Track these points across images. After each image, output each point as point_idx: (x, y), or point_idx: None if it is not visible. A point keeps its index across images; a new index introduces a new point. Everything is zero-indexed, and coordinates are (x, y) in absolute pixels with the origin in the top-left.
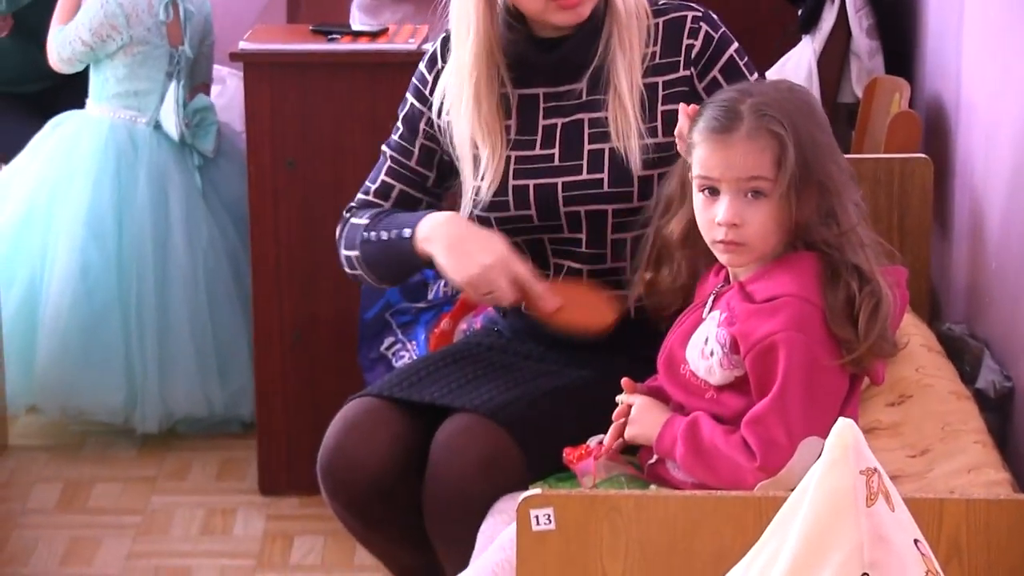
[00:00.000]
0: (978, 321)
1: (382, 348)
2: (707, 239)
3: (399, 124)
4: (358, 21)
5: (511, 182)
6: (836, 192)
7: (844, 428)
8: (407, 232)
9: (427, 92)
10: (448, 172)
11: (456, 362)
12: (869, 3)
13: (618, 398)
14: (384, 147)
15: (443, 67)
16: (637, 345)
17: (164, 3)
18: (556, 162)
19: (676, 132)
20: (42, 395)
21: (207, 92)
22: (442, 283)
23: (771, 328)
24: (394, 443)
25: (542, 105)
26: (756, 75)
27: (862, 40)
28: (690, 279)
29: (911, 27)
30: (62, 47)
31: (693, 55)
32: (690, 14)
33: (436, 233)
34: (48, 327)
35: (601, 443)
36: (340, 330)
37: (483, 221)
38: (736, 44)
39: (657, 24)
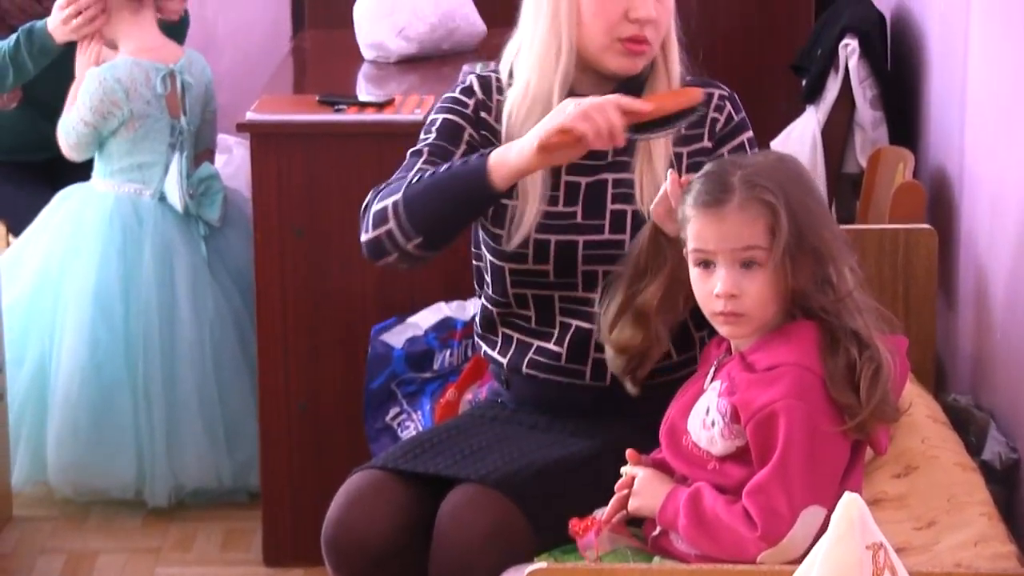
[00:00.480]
0: (983, 392)
1: (387, 418)
2: (706, 312)
3: (429, 134)
4: (364, 91)
5: (533, 235)
6: (831, 258)
7: (850, 502)
8: (475, 158)
9: (468, 111)
10: None
11: (461, 433)
12: (873, 74)
13: (622, 469)
14: (409, 153)
15: (483, 99)
16: (643, 415)
17: (161, 76)
18: (579, 219)
19: (658, 197)
20: (53, 473)
21: (212, 158)
22: (447, 352)
23: (771, 397)
24: (398, 516)
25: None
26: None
27: (866, 111)
28: (663, 344)
29: (915, 98)
30: (68, 134)
31: (716, 129)
32: (717, 91)
33: (512, 144)
34: (58, 404)
35: None
36: (346, 400)
37: (496, 268)
38: (751, 133)
39: None
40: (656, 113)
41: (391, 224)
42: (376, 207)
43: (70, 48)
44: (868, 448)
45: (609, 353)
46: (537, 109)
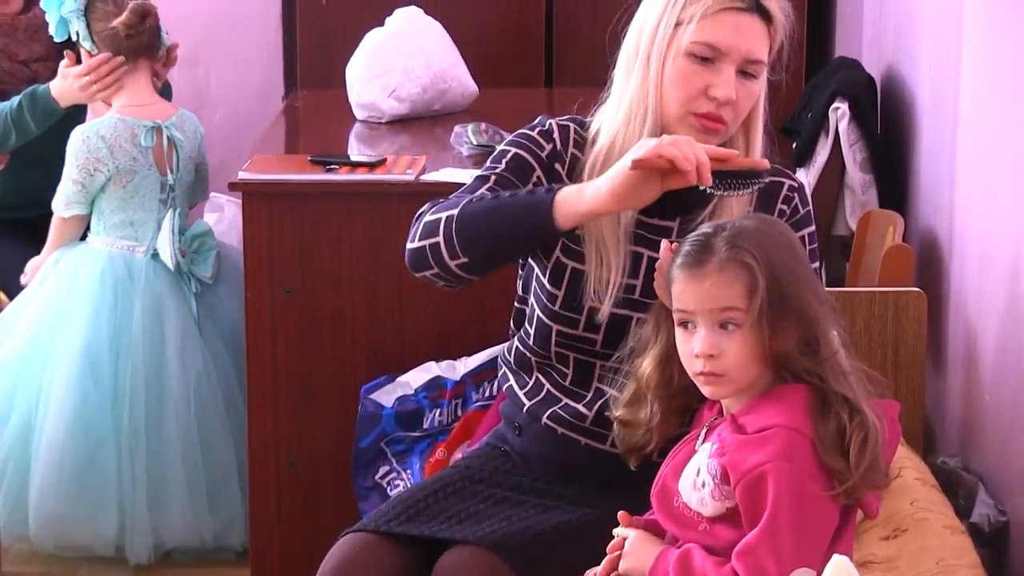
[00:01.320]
0: (972, 454)
1: (376, 477)
2: (689, 372)
3: (497, 164)
4: (356, 151)
5: (587, 302)
6: (816, 321)
7: (839, 564)
8: (542, 191)
9: (543, 155)
10: None
11: (456, 493)
12: (863, 137)
13: (615, 531)
14: (477, 179)
15: (559, 150)
16: (643, 484)
17: (146, 130)
18: (637, 295)
19: (656, 267)
20: (35, 528)
21: (200, 212)
22: (437, 412)
23: (760, 459)
24: None
25: (632, 230)
26: (816, 264)
27: (856, 173)
28: (663, 420)
29: (905, 161)
30: (59, 196)
31: (783, 220)
32: (788, 182)
33: (587, 186)
34: (42, 459)
35: None
36: (336, 458)
37: (542, 325)
38: (813, 228)
39: None
40: (732, 165)
41: (439, 238)
42: (429, 218)
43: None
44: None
45: (615, 428)
46: None
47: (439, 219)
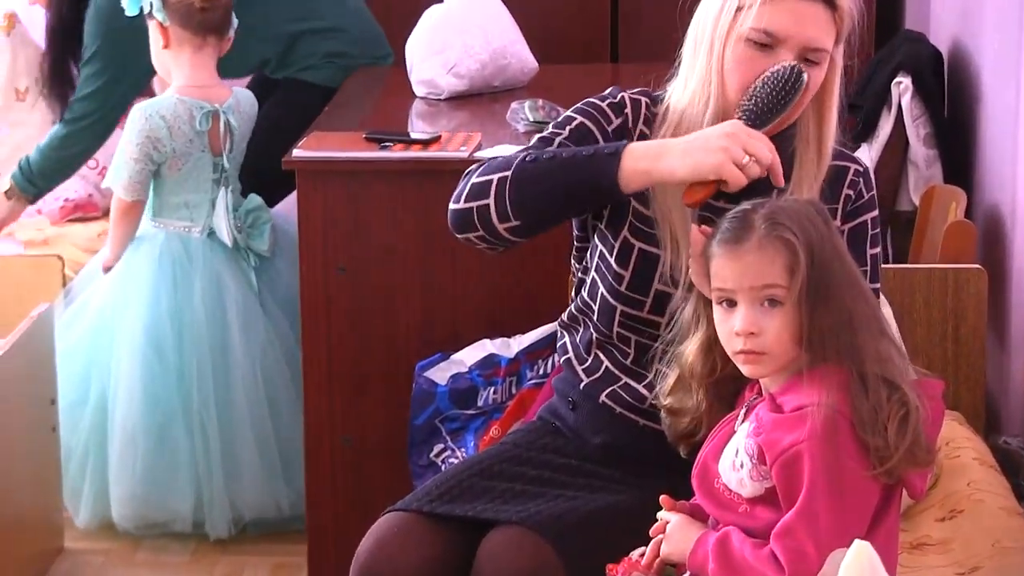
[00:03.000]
0: None
1: (431, 455)
2: (728, 351)
3: (561, 129)
4: (414, 128)
5: (655, 285)
6: (854, 300)
7: (860, 550)
8: (605, 150)
9: (608, 128)
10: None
11: (501, 472)
12: (926, 112)
13: (658, 515)
14: (542, 138)
15: (629, 124)
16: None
17: (204, 113)
18: None
19: (691, 253)
20: (117, 509)
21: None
22: (491, 390)
23: (796, 438)
24: (430, 559)
25: (698, 212)
26: (879, 249)
27: (919, 149)
28: (710, 408)
29: (970, 136)
30: (118, 175)
31: (848, 206)
32: (853, 166)
33: (660, 147)
34: (117, 441)
35: (643, 555)
36: (390, 435)
37: (607, 304)
38: (876, 212)
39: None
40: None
41: (489, 199)
42: (478, 179)
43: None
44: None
45: (663, 416)
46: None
47: (490, 180)
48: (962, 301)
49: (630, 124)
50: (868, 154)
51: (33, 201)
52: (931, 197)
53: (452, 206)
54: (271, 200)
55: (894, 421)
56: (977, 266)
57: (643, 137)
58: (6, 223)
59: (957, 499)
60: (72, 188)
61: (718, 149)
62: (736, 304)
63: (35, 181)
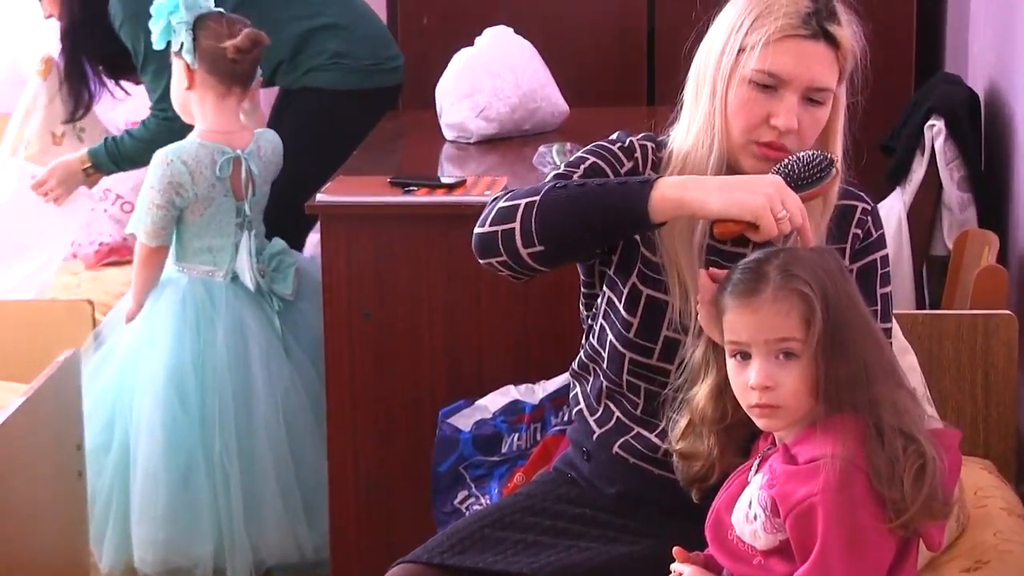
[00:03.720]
0: None
1: (455, 502)
2: (743, 404)
3: (575, 168)
4: (443, 171)
5: (664, 332)
6: (869, 350)
7: None
8: (636, 180)
9: (621, 171)
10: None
11: (514, 523)
12: (960, 155)
13: (671, 567)
14: (558, 175)
15: (639, 169)
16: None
17: (224, 159)
18: None
19: (699, 298)
20: (139, 554)
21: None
22: (516, 436)
23: (810, 490)
24: None
25: (704, 256)
26: (889, 288)
27: (953, 192)
28: (723, 453)
29: (1004, 179)
30: (141, 221)
31: (856, 245)
32: (861, 204)
33: (694, 180)
34: (139, 487)
35: None
36: (416, 481)
37: (615, 351)
38: (885, 251)
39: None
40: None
41: (515, 224)
42: (505, 204)
43: None
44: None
45: (675, 460)
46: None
47: (517, 205)
48: (992, 347)
49: (640, 168)
50: (902, 197)
51: (96, 181)
52: (964, 241)
53: (477, 230)
54: (295, 216)
55: (910, 473)
56: (1008, 312)
57: None
58: (64, 190)
59: (984, 549)
60: (107, 232)
61: (762, 194)
62: (750, 357)
63: (120, 163)
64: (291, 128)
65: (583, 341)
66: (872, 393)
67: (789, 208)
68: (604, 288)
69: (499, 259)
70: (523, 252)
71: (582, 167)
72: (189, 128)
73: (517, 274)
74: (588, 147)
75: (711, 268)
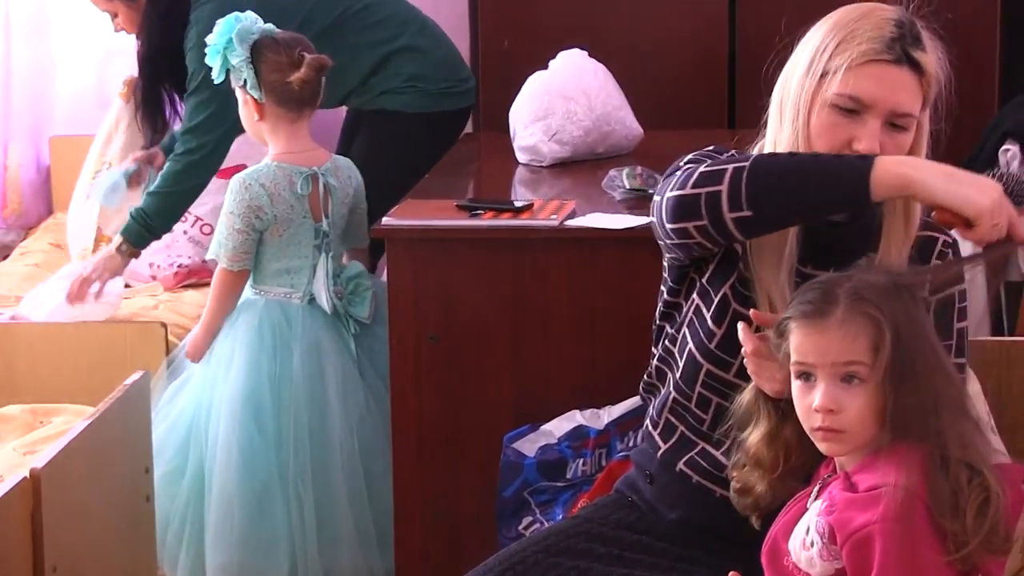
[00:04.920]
0: None
1: (520, 527)
2: (805, 427)
3: (694, 162)
4: (516, 195)
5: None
6: (939, 381)
7: None
8: (852, 156)
9: None
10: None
11: (568, 549)
12: None
13: None
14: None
15: None
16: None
17: (303, 177)
18: None
19: (746, 352)
20: (211, 574)
21: (364, 257)
22: (580, 461)
23: (869, 518)
24: None
25: (793, 279)
26: (966, 323)
27: None
28: (780, 486)
29: None
30: (222, 246)
31: None
32: (942, 237)
33: (920, 162)
34: (214, 510)
35: None
36: (481, 505)
37: (692, 361)
38: (964, 285)
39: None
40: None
41: (723, 187)
42: (707, 168)
43: None
44: None
45: (732, 493)
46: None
47: (724, 169)
48: None
49: None
50: None
51: (138, 255)
52: None
53: (672, 193)
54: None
55: (973, 506)
56: None
57: None
58: (111, 276)
59: None
60: (186, 254)
61: (991, 195)
62: (815, 379)
63: (151, 225)
64: (364, 151)
65: (653, 352)
66: (940, 424)
67: (1012, 218)
68: (694, 296)
69: (698, 223)
70: (727, 216)
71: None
72: (215, 159)
73: (712, 240)
74: (696, 152)
75: (754, 311)
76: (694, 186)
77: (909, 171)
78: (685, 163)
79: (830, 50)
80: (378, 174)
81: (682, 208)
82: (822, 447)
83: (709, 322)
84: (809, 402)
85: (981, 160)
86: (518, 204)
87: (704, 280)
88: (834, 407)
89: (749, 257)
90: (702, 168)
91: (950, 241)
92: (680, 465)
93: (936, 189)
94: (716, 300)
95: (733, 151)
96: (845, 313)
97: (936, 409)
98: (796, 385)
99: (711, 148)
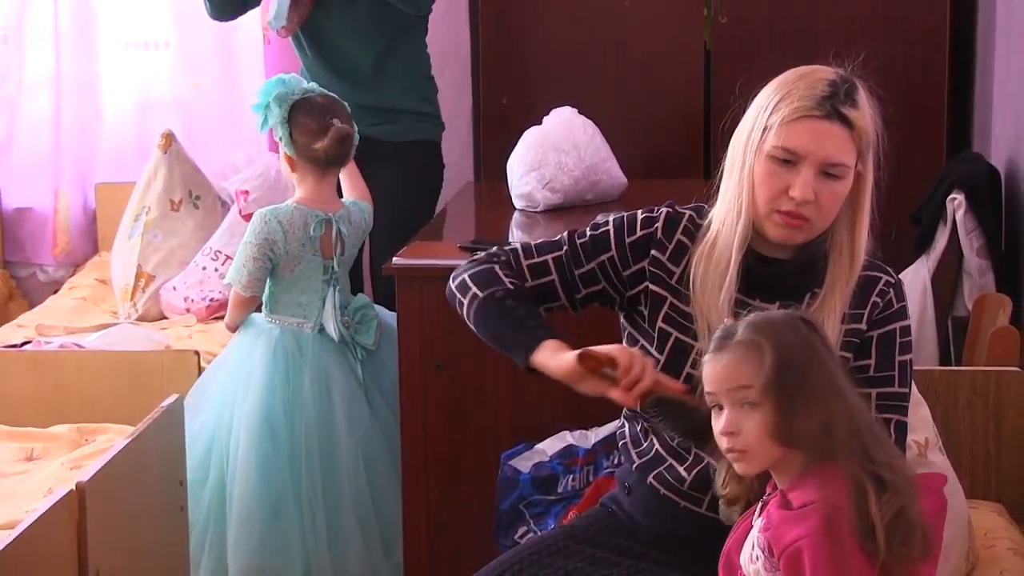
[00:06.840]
0: None
1: (516, 536)
2: (722, 451)
3: (589, 232)
4: (513, 237)
5: (687, 370)
6: (834, 402)
7: None
8: (540, 333)
9: (626, 241)
10: (597, 300)
11: (558, 552)
12: (979, 225)
13: None
14: (566, 235)
15: (660, 237)
16: None
17: (318, 221)
18: None
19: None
20: None
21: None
22: (570, 477)
23: (799, 533)
24: None
25: (734, 309)
26: (909, 356)
27: (973, 259)
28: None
29: (1020, 248)
30: (239, 272)
31: (875, 313)
32: (884, 277)
33: (555, 356)
34: (235, 518)
35: None
36: (481, 517)
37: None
38: (907, 322)
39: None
40: (681, 394)
41: (463, 305)
42: (472, 274)
43: None
44: None
45: (721, 506)
46: (721, 262)
47: (469, 290)
48: (1003, 402)
49: (660, 234)
50: (926, 264)
51: None
52: (983, 304)
53: (450, 281)
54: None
55: (885, 518)
56: (1016, 369)
57: (681, 247)
58: None
59: None
60: (217, 289)
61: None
62: (722, 407)
63: None
64: (394, 179)
65: None
66: (841, 443)
67: (634, 359)
68: (631, 327)
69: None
70: (467, 322)
71: (591, 233)
72: None
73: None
74: (622, 213)
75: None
76: (455, 286)
77: (553, 362)
78: (565, 235)
79: (771, 108)
80: (408, 201)
81: (448, 296)
82: (737, 467)
83: (652, 350)
84: (718, 428)
85: (931, 208)
86: (515, 246)
87: (642, 320)
88: (733, 429)
89: (691, 287)
90: (470, 273)
91: (893, 281)
92: (649, 479)
93: (569, 366)
94: (655, 332)
95: (543, 239)
96: (737, 344)
97: (830, 428)
98: (713, 414)
99: (663, 205)
